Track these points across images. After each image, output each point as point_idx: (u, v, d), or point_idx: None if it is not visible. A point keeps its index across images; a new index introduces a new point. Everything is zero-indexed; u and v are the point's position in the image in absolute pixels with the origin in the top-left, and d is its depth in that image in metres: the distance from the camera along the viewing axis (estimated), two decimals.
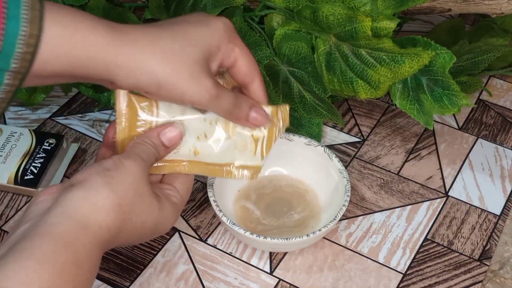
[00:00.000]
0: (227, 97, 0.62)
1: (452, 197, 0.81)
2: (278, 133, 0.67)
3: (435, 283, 0.72)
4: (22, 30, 0.53)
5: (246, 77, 0.65)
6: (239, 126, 0.66)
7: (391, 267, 0.74)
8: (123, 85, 0.59)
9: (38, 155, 0.79)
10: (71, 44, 0.55)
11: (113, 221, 0.55)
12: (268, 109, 0.66)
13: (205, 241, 0.75)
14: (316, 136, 0.84)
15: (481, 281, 0.73)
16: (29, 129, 0.82)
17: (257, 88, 0.66)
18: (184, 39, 0.60)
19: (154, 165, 0.63)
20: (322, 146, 0.77)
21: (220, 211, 0.70)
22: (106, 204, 0.54)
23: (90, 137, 0.85)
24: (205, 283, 0.71)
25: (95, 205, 0.54)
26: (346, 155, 0.84)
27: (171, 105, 0.63)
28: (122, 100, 0.62)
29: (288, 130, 0.83)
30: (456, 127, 0.89)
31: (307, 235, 0.69)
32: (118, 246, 0.60)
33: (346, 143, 0.86)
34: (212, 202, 0.71)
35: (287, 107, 0.68)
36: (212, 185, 0.72)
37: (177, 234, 0.75)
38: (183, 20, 0.62)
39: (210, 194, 0.72)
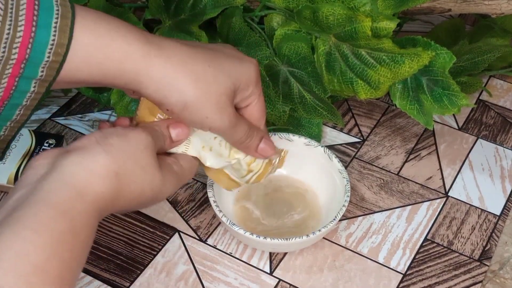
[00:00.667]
0: (243, 127, 0.63)
1: (452, 197, 0.81)
2: (270, 172, 0.69)
3: (435, 283, 0.72)
4: (52, 39, 0.53)
5: (254, 122, 0.66)
6: (241, 153, 0.66)
7: (391, 267, 0.74)
8: (149, 98, 0.59)
9: None
10: (104, 54, 0.55)
11: (109, 190, 0.54)
12: None
13: (205, 242, 0.75)
14: (316, 137, 0.84)
15: (481, 281, 0.73)
16: (29, 130, 0.82)
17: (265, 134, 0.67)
18: (217, 67, 0.60)
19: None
20: (322, 147, 0.77)
21: (220, 211, 0.70)
22: (103, 171, 0.54)
23: None
24: (205, 284, 0.71)
25: (91, 172, 0.53)
26: (346, 156, 0.84)
27: None
28: (145, 100, 0.63)
29: (288, 130, 0.83)
30: (456, 127, 0.89)
31: (307, 235, 0.69)
32: (115, 212, 0.59)
33: (346, 144, 0.86)
34: (212, 202, 0.71)
35: (286, 152, 0.69)
36: (212, 186, 0.72)
37: (177, 234, 0.75)
38: (217, 49, 0.63)
39: (210, 194, 0.72)
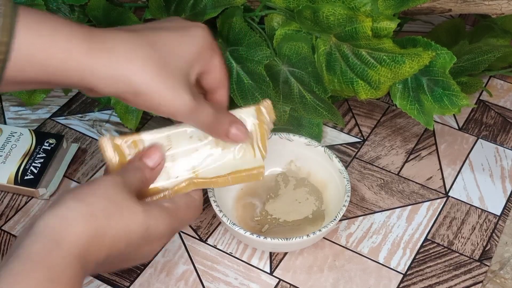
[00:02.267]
0: (207, 112, 0.61)
1: (452, 197, 0.81)
2: (268, 128, 0.67)
3: (435, 283, 0.72)
4: None
5: (218, 83, 0.64)
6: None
7: (391, 267, 0.74)
8: (102, 93, 0.58)
9: (38, 155, 0.79)
10: (47, 54, 0.55)
11: (86, 231, 0.53)
12: (251, 109, 0.67)
13: (205, 241, 0.75)
14: (317, 137, 0.84)
15: (481, 282, 0.73)
16: (29, 129, 0.82)
17: (224, 94, 0.66)
18: (163, 47, 0.59)
19: (155, 198, 0.63)
20: (322, 147, 0.77)
21: (220, 211, 0.70)
22: (76, 215, 0.53)
23: (90, 137, 0.85)
24: (205, 283, 0.71)
25: (65, 218, 0.53)
26: (346, 156, 0.84)
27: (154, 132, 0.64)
28: (108, 148, 0.63)
29: (288, 130, 0.83)
30: (456, 127, 0.89)
31: (307, 235, 0.69)
32: (110, 267, 0.59)
33: (346, 144, 0.86)
34: (212, 202, 0.71)
35: (269, 102, 0.68)
36: None
37: (177, 234, 0.75)
38: (161, 27, 0.61)
39: (210, 194, 0.72)
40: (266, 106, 0.67)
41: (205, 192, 0.79)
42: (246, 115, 0.67)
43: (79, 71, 0.56)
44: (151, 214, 0.58)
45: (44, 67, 0.55)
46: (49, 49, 0.55)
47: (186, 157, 0.65)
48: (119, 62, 0.57)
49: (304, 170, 0.79)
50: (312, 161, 0.78)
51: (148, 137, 0.64)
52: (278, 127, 0.83)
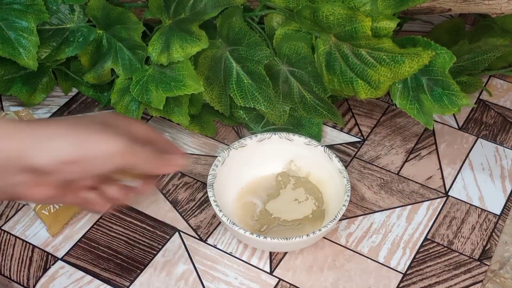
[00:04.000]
0: (142, 149, 0.64)
1: (452, 197, 0.81)
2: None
3: (435, 283, 0.72)
4: None
5: (148, 131, 0.67)
6: None
7: (391, 267, 0.74)
8: (42, 161, 0.60)
9: None
10: None
11: None
12: None
13: (205, 241, 0.75)
14: (316, 136, 0.84)
15: (481, 281, 0.73)
16: None
17: (157, 136, 0.69)
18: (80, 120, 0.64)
19: None
20: (322, 146, 0.77)
21: (220, 211, 0.70)
22: None
23: None
24: (205, 283, 0.71)
25: None
26: (346, 155, 0.84)
27: None
28: None
29: (288, 130, 0.83)
30: (456, 127, 0.89)
31: (307, 235, 0.69)
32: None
33: (346, 143, 0.86)
34: (212, 202, 0.71)
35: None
36: (212, 185, 0.73)
37: (177, 234, 0.75)
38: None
39: (210, 194, 0.72)
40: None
41: (205, 191, 0.79)
42: None
43: (18, 151, 0.59)
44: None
45: None
46: None
47: None
48: (47, 135, 0.60)
49: (304, 170, 0.79)
50: (312, 160, 0.78)
51: None
52: (278, 127, 0.83)
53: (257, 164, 0.78)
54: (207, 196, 0.73)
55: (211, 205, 0.72)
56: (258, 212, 0.76)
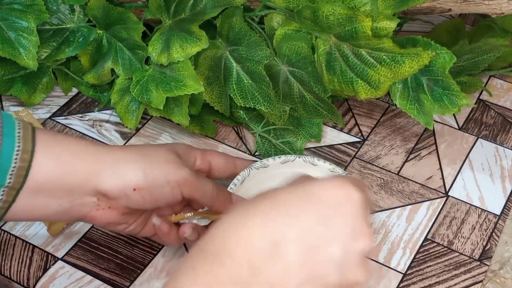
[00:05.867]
0: (207, 181, 0.66)
1: (452, 197, 0.81)
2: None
3: (435, 283, 0.72)
4: (17, 146, 0.58)
5: (227, 169, 0.72)
6: None
7: (391, 267, 0.74)
8: (109, 186, 0.62)
9: None
10: (60, 156, 0.61)
11: None
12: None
13: None
14: (316, 136, 0.84)
15: (481, 281, 0.73)
16: None
17: (242, 164, 0.73)
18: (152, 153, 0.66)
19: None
20: (346, 174, 0.74)
21: None
22: None
23: (90, 137, 0.85)
24: None
25: None
26: (346, 155, 0.84)
27: None
28: None
29: (288, 130, 0.83)
30: (456, 127, 0.89)
31: None
32: None
33: (346, 143, 0.86)
34: None
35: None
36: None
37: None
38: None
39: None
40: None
41: None
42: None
43: (88, 173, 0.61)
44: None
45: (58, 169, 0.60)
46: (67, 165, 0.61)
47: None
48: (122, 161, 0.63)
49: None
50: None
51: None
52: (278, 127, 0.83)
53: (277, 186, 0.76)
54: None
55: None
56: None
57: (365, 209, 0.52)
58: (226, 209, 0.66)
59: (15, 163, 0.58)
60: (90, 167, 0.61)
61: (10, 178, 0.58)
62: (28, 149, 0.58)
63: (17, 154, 0.58)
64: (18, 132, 0.59)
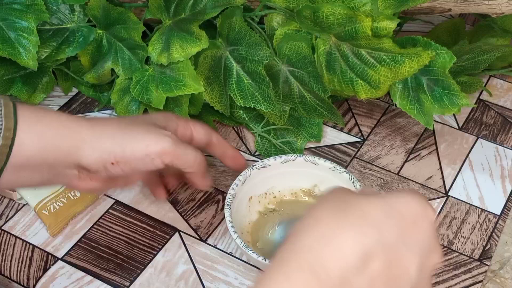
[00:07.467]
0: (189, 148, 0.67)
1: (452, 197, 0.81)
2: None
3: (435, 283, 0.72)
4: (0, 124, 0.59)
5: (206, 136, 0.73)
6: None
7: None
8: (89, 161, 0.63)
9: None
10: (42, 133, 0.61)
11: None
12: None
13: (205, 241, 0.75)
14: (316, 136, 0.84)
15: (481, 281, 0.73)
16: None
17: (218, 138, 0.74)
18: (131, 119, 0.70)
19: None
20: (347, 173, 0.74)
21: (235, 232, 0.68)
22: None
23: None
24: (205, 283, 0.71)
25: None
26: (346, 155, 0.84)
27: None
28: None
29: (288, 130, 0.83)
30: (456, 127, 0.89)
31: None
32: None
33: (346, 143, 0.86)
34: (228, 222, 0.69)
35: None
36: (230, 205, 0.70)
37: (177, 234, 0.75)
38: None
39: (226, 214, 0.70)
40: None
41: (205, 191, 0.79)
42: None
43: (72, 140, 0.63)
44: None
45: (41, 142, 0.61)
46: (44, 129, 0.62)
47: None
48: (101, 124, 0.65)
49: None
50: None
51: None
52: (278, 127, 0.83)
53: (279, 186, 0.77)
54: (207, 196, 0.72)
55: (211, 205, 0.72)
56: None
57: (435, 226, 0.54)
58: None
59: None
60: (70, 143, 0.62)
61: None
62: (11, 127, 0.59)
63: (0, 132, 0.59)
64: (0, 110, 0.59)
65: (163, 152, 0.65)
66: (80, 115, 0.71)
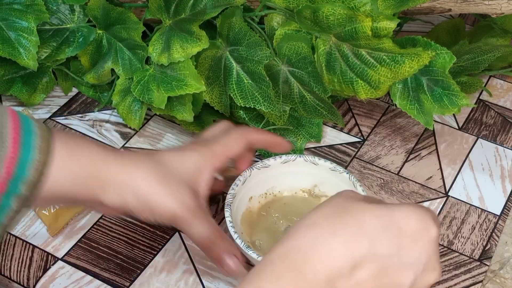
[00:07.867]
0: (205, 225, 0.65)
1: (452, 197, 0.81)
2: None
3: (435, 283, 0.72)
4: (34, 157, 0.58)
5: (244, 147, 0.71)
6: None
7: None
8: (112, 203, 0.63)
9: None
10: (72, 172, 0.61)
11: None
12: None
13: None
14: (316, 136, 0.84)
15: (481, 281, 0.73)
16: None
17: (255, 138, 0.73)
18: (166, 163, 0.66)
19: None
20: (347, 173, 0.73)
21: (235, 232, 0.68)
22: None
23: (90, 137, 0.85)
24: (205, 283, 0.71)
25: None
26: (346, 155, 0.84)
27: None
28: None
29: (288, 130, 0.83)
30: (456, 127, 0.89)
31: None
32: None
33: (346, 143, 0.86)
34: (228, 222, 0.69)
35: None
36: (230, 205, 0.70)
37: (177, 234, 0.75)
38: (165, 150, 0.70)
39: (226, 214, 0.70)
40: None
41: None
42: None
43: (94, 189, 0.63)
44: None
45: (71, 177, 0.61)
46: (76, 165, 0.62)
47: None
48: (126, 170, 0.64)
49: (328, 195, 0.75)
50: (336, 187, 0.72)
51: None
52: (278, 127, 0.83)
53: (279, 186, 0.77)
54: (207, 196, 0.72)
55: (210, 205, 0.71)
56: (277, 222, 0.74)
57: (437, 244, 0.54)
58: (214, 260, 0.66)
59: (30, 173, 0.58)
60: (97, 184, 0.63)
61: (24, 188, 0.57)
62: (44, 161, 0.58)
63: (32, 166, 0.58)
64: (37, 143, 0.58)
65: (173, 217, 0.65)
66: (108, 145, 0.71)
